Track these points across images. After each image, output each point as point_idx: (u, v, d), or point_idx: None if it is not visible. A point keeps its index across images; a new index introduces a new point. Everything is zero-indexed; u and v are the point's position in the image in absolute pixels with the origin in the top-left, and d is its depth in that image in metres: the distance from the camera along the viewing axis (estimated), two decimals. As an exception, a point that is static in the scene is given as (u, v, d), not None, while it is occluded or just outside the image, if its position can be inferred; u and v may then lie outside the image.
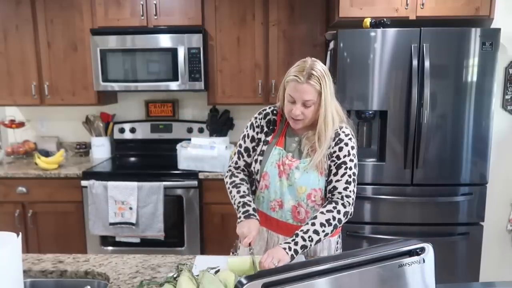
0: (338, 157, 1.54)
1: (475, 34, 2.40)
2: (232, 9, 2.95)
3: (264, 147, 1.61)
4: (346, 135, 1.56)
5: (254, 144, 1.66)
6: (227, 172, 1.71)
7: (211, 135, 3.22)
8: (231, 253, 1.62)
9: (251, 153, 1.67)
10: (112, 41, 2.88)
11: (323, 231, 1.44)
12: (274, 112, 1.65)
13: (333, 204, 1.49)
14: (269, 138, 1.62)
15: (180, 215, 2.82)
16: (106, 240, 2.85)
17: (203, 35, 2.87)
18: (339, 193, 1.52)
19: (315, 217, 1.47)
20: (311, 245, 1.43)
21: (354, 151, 1.56)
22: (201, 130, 3.32)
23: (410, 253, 0.82)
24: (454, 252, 2.60)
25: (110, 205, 2.72)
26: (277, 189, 1.58)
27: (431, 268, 0.84)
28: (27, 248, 2.87)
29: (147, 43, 2.87)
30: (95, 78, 2.93)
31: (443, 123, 2.49)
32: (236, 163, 1.70)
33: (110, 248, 2.86)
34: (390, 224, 2.59)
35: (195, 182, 2.79)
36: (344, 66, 2.48)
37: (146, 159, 3.29)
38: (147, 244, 2.81)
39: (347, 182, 1.52)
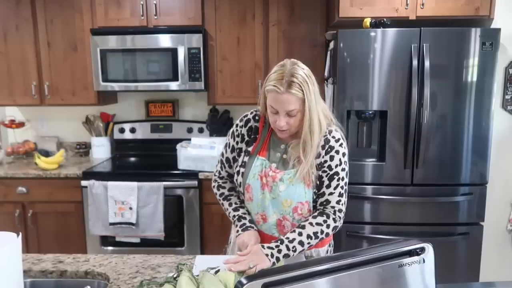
0: (330, 168, 1.45)
1: (475, 34, 2.40)
2: (232, 9, 2.95)
3: (246, 158, 1.52)
4: (337, 141, 1.47)
5: (234, 154, 1.58)
6: (213, 182, 1.67)
7: (211, 135, 3.22)
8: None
9: (231, 163, 1.60)
10: (112, 41, 2.88)
11: (308, 243, 1.39)
12: (256, 118, 1.55)
13: (324, 217, 1.43)
14: (250, 148, 1.52)
15: (180, 215, 2.82)
16: (106, 240, 2.85)
17: (203, 35, 2.87)
18: (332, 207, 1.46)
19: (303, 227, 1.41)
20: (293, 254, 1.38)
21: (346, 158, 1.48)
22: (201, 130, 3.32)
23: (410, 253, 0.82)
24: (454, 252, 2.60)
25: (110, 205, 2.72)
26: (259, 202, 1.49)
27: (431, 268, 0.84)
28: (27, 248, 2.87)
29: (147, 43, 2.87)
30: (95, 78, 2.93)
31: (443, 123, 2.49)
32: (219, 173, 1.65)
33: (110, 248, 2.86)
34: (390, 224, 2.59)
35: (195, 182, 2.79)
36: (344, 66, 2.48)
37: (146, 159, 3.29)
38: (147, 244, 2.81)
39: (340, 195, 1.46)
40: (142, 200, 2.72)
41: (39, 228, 2.91)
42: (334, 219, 1.44)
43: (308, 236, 1.39)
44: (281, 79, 1.36)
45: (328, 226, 1.42)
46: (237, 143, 1.57)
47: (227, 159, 1.61)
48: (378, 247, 0.83)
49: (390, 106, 2.49)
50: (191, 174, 2.81)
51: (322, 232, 1.41)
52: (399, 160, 2.53)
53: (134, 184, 2.71)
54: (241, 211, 1.54)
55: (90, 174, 2.81)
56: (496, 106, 2.56)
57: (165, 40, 2.87)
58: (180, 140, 3.12)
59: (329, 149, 1.46)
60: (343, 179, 1.46)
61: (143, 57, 2.90)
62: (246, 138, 1.55)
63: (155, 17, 2.93)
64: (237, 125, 1.58)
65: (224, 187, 1.63)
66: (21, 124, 3.39)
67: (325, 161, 1.45)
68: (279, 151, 1.51)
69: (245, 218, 1.52)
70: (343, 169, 1.46)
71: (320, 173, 1.45)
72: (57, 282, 1.42)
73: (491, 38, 2.40)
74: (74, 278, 1.42)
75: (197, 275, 1.22)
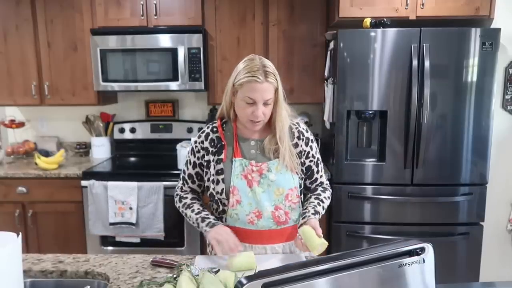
0: (313, 156, 1.62)
1: (475, 34, 2.41)
2: (232, 9, 2.95)
3: (219, 166, 1.54)
4: (307, 131, 1.63)
5: (197, 169, 1.61)
6: (175, 197, 1.68)
7: (211, 135, 3.22)
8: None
9: (195, 179, 1.63)
10: (112, 41, 2.88)
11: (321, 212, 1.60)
12: (214, 129, 1.60)
13: (328, 193, 1.67)
14: (222, 156, 1.54)
15: (180, 215, 2.79)
16: (106, 240, 2.85)
17: (203, 35, 2.87)
18: (326, 184, 1.71)
19: (322, 201, 1.60)
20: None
21: (316, 143, 1.66)
22: (201, 130, 3.31)
23: (410, 253, 0.82)
24: (454, 252, 2.60)
25: (110, 205, 2.72)
26: (251, 200, 1.51)
27: (431, 268, 0.84)
28: (27, 248, 2.87)
29: (147, 43, 2.87)
30: (95, 78, 2.93)
31: (443, 123, 2.49)
32: (182, 188, 1.67)
33: (110, 248, 2.86)
34: (390, 224, 2.59)
35: (195, 182, 2.78)
36: (344, 66, 2.48)
37: (146, 159, 3.29)
38: (147, 244, 2.81)
39: (324, 172, 1.70)
40: (142, 200, 2.72)
41: (39, 228, 2.91)
42: (330, 192, 1.69)
43: (323, 208, 1.61)
44: (257, 70, 1.43)
45: (329, 199, 1.67)
46: (199, 158, 1.59)
47: (190, 175, 1.63)
48: (378, 247, 0.83)
49: (390, 106, 2.49)
50: (191, 174, 2.80)
51: (328, 204, 1.65)
52: (399, 160, 2.53)
53: (134, 184, 2.71)
54: (204, 213, 1.56)
55: (90, 174, 2.81)
56: (496, 106, 2.56)
57: (165, 40, 2.87)
58: (180, 140, 3.12)
59: (306, 140, 1.61)
60: (322, 161, 1.69)
61: (143, 57, 2.90)
62: (211, 149, 1.57)
63: (155, 17, 2.93)
64: (196, 142, 1.61)
65: (186, 198, 1.64)
66: (21, 124, 3.39)
67: (308, 152, 1.61)
68: (251, 148, 1.57)
69: (208, 218, 1.53)
70: (319, 153, 1.67)
71: (308, 163, 1.61)
72: (57, 282, 1.42)
73: (491, 38, 2.40)
74: (74, 278, 1.42)
75: (197, 275, 1.22)
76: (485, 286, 1.64)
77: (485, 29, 2.42)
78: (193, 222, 1.58)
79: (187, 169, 1.64)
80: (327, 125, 2.80)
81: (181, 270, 1.22)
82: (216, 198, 1.56)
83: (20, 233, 1.15)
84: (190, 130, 3.32)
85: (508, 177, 2.77)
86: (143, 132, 3.35)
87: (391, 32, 2.43)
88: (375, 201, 2.58)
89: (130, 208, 2.71)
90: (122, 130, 3.35)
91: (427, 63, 2.40)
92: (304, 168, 1.60)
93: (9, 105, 3.27)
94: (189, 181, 1.64)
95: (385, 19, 2.45)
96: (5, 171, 2.88)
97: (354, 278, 0.79)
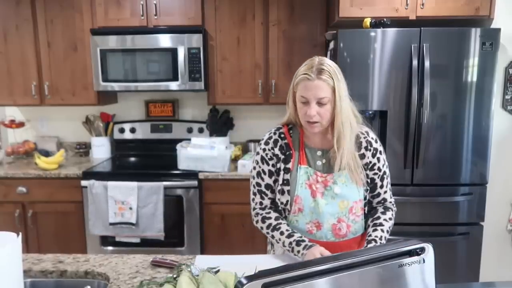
0: (379, 169, 1.53)
1: (475, 34, 2.40)
2: (232, 9, 2.95)
3: (287, 175, 1.50)
4: (376, 141, 1.54)
5: (274, 177, 1.53)
6: (255, 216, 1.57)
7: (211, 135, 3.22)
8: None
9: (274, 188, 1.55)
10: (112, 41, 2.88)
11: (385, 237, 1.51)
12: (282, 135, 1.54)
13: (391, 212, 1.58)
14: (289, 165, 1.50)
15: (180, 215, 2.82)
16: (106, 240, 2.85)
17: (203, 35, 2.87)
18: (390, 202, 1.61)
19: (381, 224, 1.51)
20: None
21: (384, 155, 1.56)
22: (201, 130, 3.32)
23: (410, 253, 0.82)
24: (454, 252, 2.60)
25: (110, 205, 2.72)
26: (312, 210, 1.48)
27: (431, 268, 0.84)
28: (27, 248, 2.87)
29: (147, 43, 2.87)
30: (95, 78, 2.93)
31: (443, 123, 2.49)
32: (261, 203, 1.56)
33: (110, 248, 2.86)
34: (390, 224, 2.59)
35: (195, 182, 2.79)
36: (344, 66, 2.47)
37: (146, 159, 3.29)
38: (147, 244, 2.81)
39: (390, 190, 1.60)
40: (142, 200, 2.72)
41: (39, 228, 2.91)
42: (394, 211, 1.61)
43: (387, 231, 1.52)
44: (311, 67, 1.40)
45: (392, 219, 1.57)
46: (273, 165, 1.53)
47: (268, 185, 1.55)
48: (378, 247, 0.83)
49: (390, 106, 2.49)
50: (191, 174, 2.81)
51: (391, 226, 1.55)
52: (399, 160, 2.53)
53: (134, 184, 2.72)
54: (296, 235, 1.46)
55: (90, 174, 2.81)
56: (496, 106, 2.56)
57: (165, 40, 2.87)
58: (180, 140, 3.12)
59: (374, 151, 1.53)
60: (388, 175, 1.58)
61: (143, 57, 2.90)
62: (282, 156, 1.52)
63: (155, 17, 2.93)
64: (264, 150, 1.54)
65: (269, 218, 1.53)
66: (21, 124, 3.39)
67: (374, 164, 1.53)
68: (318, 159, 1.52)
69: (304, 241, 1.44)
70: (387, 166, 1.57)
71: (371, 175, 1.53)
72: (57, 282, 1.42)
73: (491, 38, 2.40)
74: (74, 278, 1.42)
75: (197, 275, 1.22)
76: (485, 286, 1.64)
77: (485, 29, 2.42)
78: (284, 245, 1.48)
79: (263, 180, 1.54)
80: (327, 125, 2.80)
81: (181, 270, 1.22)
82: (280, 208, 1.54)
83: (20, 233, 1.15)
84: (190, 130, 3.32)
85: (508, 177, 2.77)
86: (143, 132, 3.35)
87: (391, 32, 2.43)
88: (375, 201, 2.57)
89: (130, 208, 2.72)
90: (122, 130, 3.36)
91: (427, 63, 2.40)
92: (368, 180, 1.53)
93: (9, 105, 3.27)
94: (268, 192, 1.55)
95: (385, 19, 2.45)
96: (5, 171, 2.89)
97: (354, 278, 0.79)
